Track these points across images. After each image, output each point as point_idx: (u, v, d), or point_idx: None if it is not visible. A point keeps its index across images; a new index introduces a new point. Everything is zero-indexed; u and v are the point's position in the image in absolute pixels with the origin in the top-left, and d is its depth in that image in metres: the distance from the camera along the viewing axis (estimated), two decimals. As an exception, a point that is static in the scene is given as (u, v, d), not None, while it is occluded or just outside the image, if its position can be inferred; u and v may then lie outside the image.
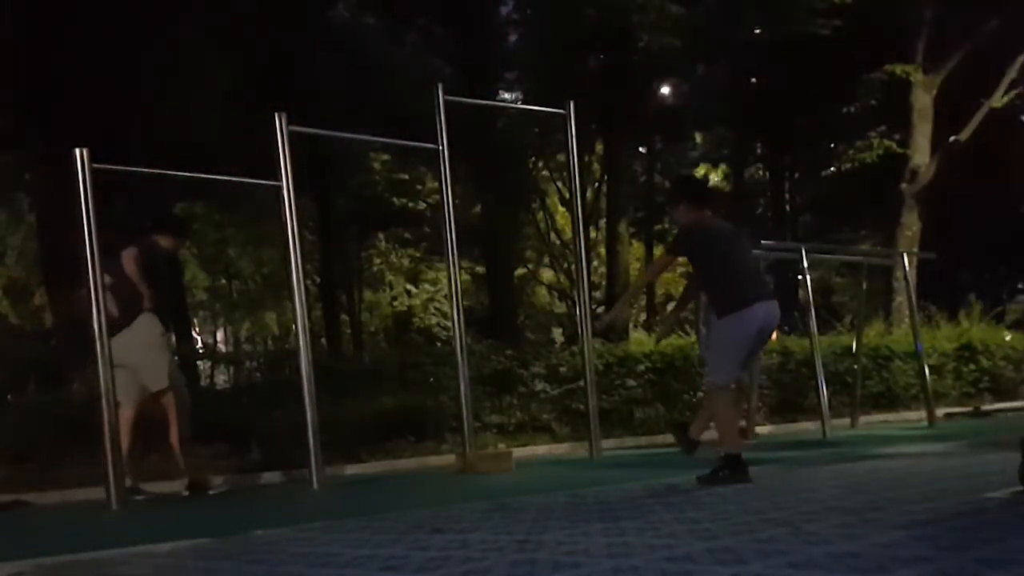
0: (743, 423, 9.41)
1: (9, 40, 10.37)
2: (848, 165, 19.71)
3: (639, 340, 12.52)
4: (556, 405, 10.36)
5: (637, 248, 25.29)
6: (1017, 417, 11.19)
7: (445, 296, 24.51)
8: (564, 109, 8.69)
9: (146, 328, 6.44)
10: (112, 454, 5.97)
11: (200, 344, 24.78)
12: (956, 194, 18.58)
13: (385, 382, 10.14)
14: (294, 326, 7.26)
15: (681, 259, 5.61)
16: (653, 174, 25.00)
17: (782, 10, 15.77)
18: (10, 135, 12.01)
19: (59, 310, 11.10)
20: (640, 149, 23.70)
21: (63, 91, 10.05)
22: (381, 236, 25.90)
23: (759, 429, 10.43)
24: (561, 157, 17.95)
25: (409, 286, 29.20)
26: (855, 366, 11.24)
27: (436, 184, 10.41)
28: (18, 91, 10.64)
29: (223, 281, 27.02)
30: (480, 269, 21.95)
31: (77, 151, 6.12)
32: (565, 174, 15.03)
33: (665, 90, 21.13)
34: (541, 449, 9.50)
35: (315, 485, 6.59)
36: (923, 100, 17.65)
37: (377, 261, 27.82)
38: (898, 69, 17.17)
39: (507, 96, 20.69)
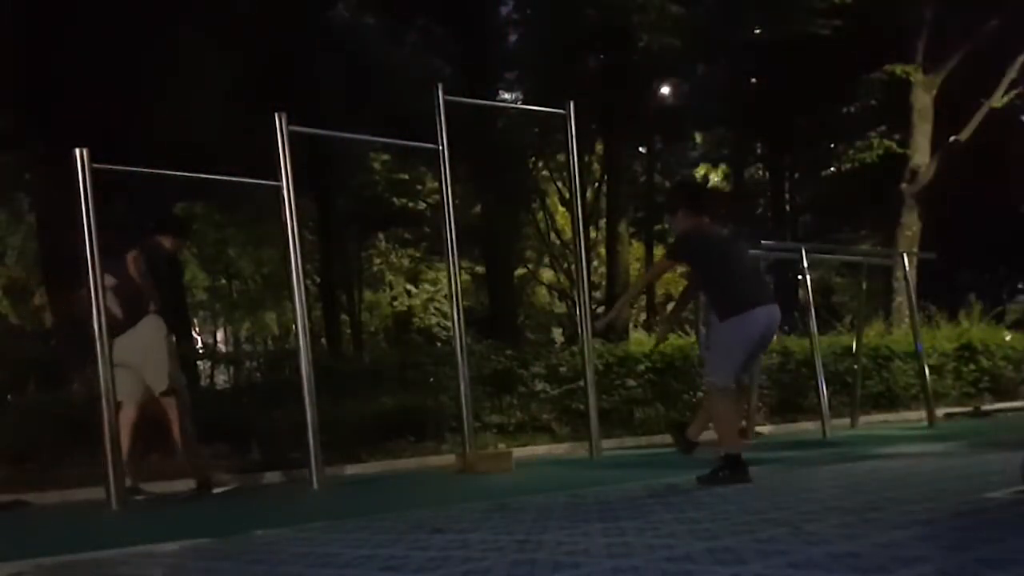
0: (743, 423, 9.43)
1: (9, 40, 10.36)
2: (848, 165, 19.72)
3: (639, 340, 12.52)
4: (556, 405, 10.36)
5: (637, 248, 25.29)
6: (1017, 417, 11.19)
7: (445, 296, 24.51)
8: (564, 109, 8.69)
9: (150, 330, 6.44)
10: (112, 454, 5.97)
11: (200, 344, 24.79)
12: (956, 194, 18.58)
13: (385, 382, 10.14)
14: (294, 326, 7.25)
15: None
16: (653, 174, 25.00)
17: (782, 10, 15.77)
18: (10, 135, 12.01)
19: (59, 310, 11.09)
20: (640, 149, 23.70)
21: (63, 91, 10.05)
22: (381, 236, 25.90)
23: (761, 429, 10.44)
24: (561, 157, 17.95)
25: (409, 286, 29.20)
26: (855, 366, 11.24)
27: (436, 184, 10.41)
28: (18, 91, 10.64)
29: (223, 281, 27.02)
30: (480, 269, 21.95)
31: (77, 151, 6.12)
32: (565, 174, 15.03)
33: (665, 90, 21.14)
34: (541, 449, 9.50)
35: (315, 485, 6.59)
36: (923, 100, 17.65)
37: (377, 261, 27.82)
38: (898, 69, 17.17)
39: (507, 96, 20.71)
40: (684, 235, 5.29)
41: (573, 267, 15.68)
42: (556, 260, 24.92)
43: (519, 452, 8.42)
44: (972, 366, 13.50)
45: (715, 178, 27.77)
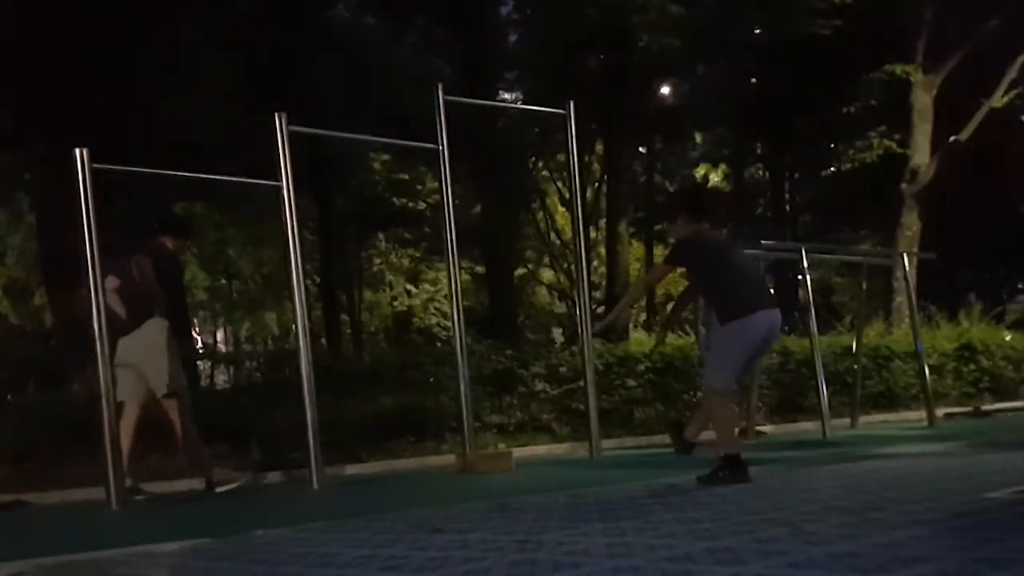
0: (743, 423, 9.43)
1: (9, 40, 10.36)
2: (848, 165, 19.71)
3: (639, 340, 12.53)
4: (556, 405, 10.36)
5: (637, 248, 25.29)
6: (1017, 417, 11.20)
7: (445, 296, 24.51)
8: (564, 109, 8.69)
9: (154, 332, 6.43)
10: (112, 454, 5.96)
11: (200, 344, 24.79)
12: (956, 194, 18.59)
13: (385, 382, 10.14)
14: (294, 326, 7.25)
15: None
16: (653, 174, 25.00)
17: (782, 10, 15.77)
18: (10, 135, 12.00)
19: (59, 310, 11.09)
20: (640, 149, 23.69)
21: (63, 91, 10.04)
22: (381, 236, 25.89)
23: (764, 428, 10.45)
24: (561, 157, 17.95)
25: (409, 286, 29.20)
26: (855, 366, 11.24)
27: (436, 184, 10.41)
28: (18, 91, 10.64)
29: (223, 281, 27.01)
30: (480, 269, 21.95)
31: (77, 151, 6.12)
32: (565, 174, 15.03)
33: (665, 90, 21.13)
34: (541, 449, 9.50)
35: (315, 485, 6.59)
36: (923, 100, 17.65)
37: (377, 261, 27.82)
38: (898, 69, 17.17)
39: (507, 96, 20.70)
40: (683, 240, 5.31)
41: (573, 267, 15.69)
42: (556, 260, 24.92)
43: (519, 452, 8.42)
44: (972, 366, 13.50)
45: (715, 178, 27.76)
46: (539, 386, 10.44)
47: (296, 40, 13.42)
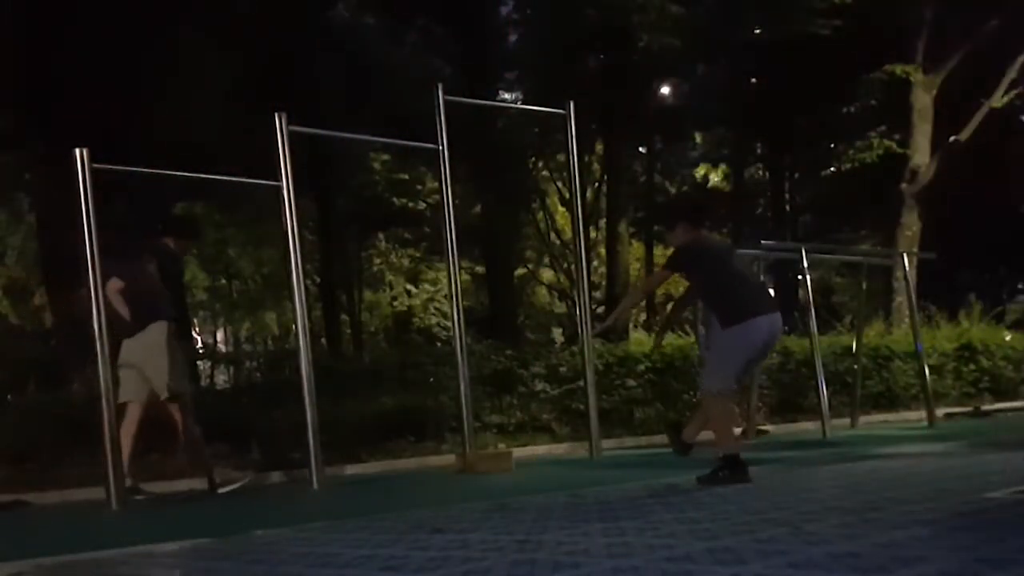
0: (743, 423, 9.44)
1: (9, 40, 10.36)
2: (848, 165, 19.71)
3: (639, 340, 12.53)
4: (556, 405, 10.36)
5: (637, 248, 25.30)
6: (1017, 417, 11.20)
7: (445, 296, 24.52)
8: (564, 109, 8.69)
9: (157, 335, 6.43)
10: (112, 454, 5.97)
11: (200, 344, 24.78)
12: (956, 194, 18.59)
13: (385, 382, 10.14)
14: (294, 326, 7.25)
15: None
16: (653, 174, 25.01)
17: (782, 10, 15.77)
18: (10, 135, 12.01)
19: (59, 310, 11.09)
20: (640, 149, 23.70)
21: (63, 91, 10.04)
22: (381, 236, 25.89)
23: (767, 427, 10.46)
24: (561, 157, 17.95)
25: (409, 286, 29.19)
26: (855, 366, 11.24)
27: (436, 184, 10.41)
28: (18, 91, 10.64)
29: (223, 281, 27.01)
30: (480, 269, 21.95)
31: (77, 151, 6.13)
32: (565, 174, 15.03)
33: (665, 90, 21.13)
34: (541, 449, 9.50)
35: (315, 485, 6.59)
36: (923, 100, 17.66)
37: (377, 261, 27.82)
38: (898, 69, 17.17)
39: (507, 96, 20.70)
40: (682, 247, 5.33)
41: (573, 267, 15.69)
42: (556, 260, 24.92)
43: (519, 452, 8.42)
44: (972, 366, 13.51)
45: (715, 178, 27.75)
46: (539, 386, 10.44)
47: (296, 40, 13.42)
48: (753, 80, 22.19)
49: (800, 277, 11.31)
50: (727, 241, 18.37)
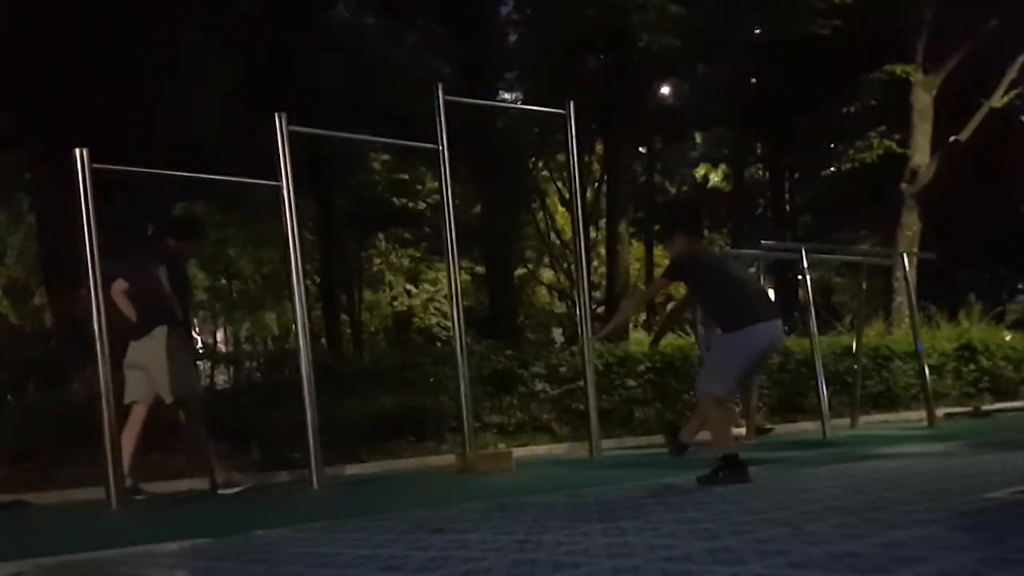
0: (743, 422, 9.44)
1: (9, 40, 10.37)
2: (848, 165, 19.71)
3: (639, 340, 12.53)
4: (556, 405, 10.36)
5: (637, 248, 25.30)
6: (1017, 417, 11.19)
7: (445, 296, 24.51)
8: (564, 109, 8.69)
9: (160, 340, 6.43)
10: (112, 454, 5.97)
11: (200, 344, 24.77)
12: (956, 194, 18.59)
13: (385, 382, 10.14)
14: (294, 326, 7.25)
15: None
16: (653, 174, 25.01)
17: (782, 10, 15.77)
18: (10, 135, 12.01)
19: (59, 310, 11.10)
20: (640, 149, 23.71)
21: (63, 91, 10.05)
22: (381, 236, 25.89)
23: (770, 426, 10.46)
24: (561, 157, 17.95)
25: (409, 286, 29.19)
26: (855, 366, 11.24)
27: (436, 184, 10.41)
28: (18, 91, 10.64)
29: (223, 281, 27.01)
30: (480, 269, 21.95)
31: (77, 151, 6.12)
32: (565, 174, 15.03)
33: (665, 90, 21.14)
34: (541, 449, 9.50)
35: (315, 485, 6.59)
36: (923, 100, 17.66)
37: (377, 261, 27.82)
38: (898, 69, 17.18)
39: (507, 96, 20.71)
40: (681, 256, 5.34)
41: (573, 267, 15.69)
42: (556, 260, 24.92)
43: (519, 452, 8.42)
44: (972, 366, 13.51)
45: (715, 178, 27.76)
46: (539, 386, 10.44)
47: (296, 40, 13.42)
48: (753, 80, 22.20)
49: (800, 277, 11.31)
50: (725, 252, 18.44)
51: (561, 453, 9.34)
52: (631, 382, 10.78)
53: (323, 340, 18.57)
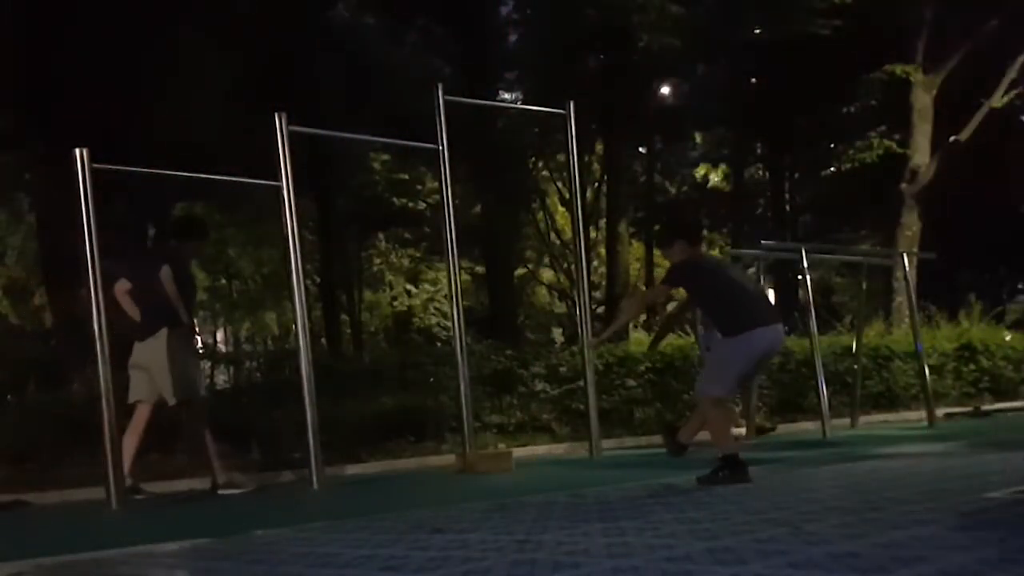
0: (743, 422, 9.44)
1: (9, 40, 10.37)
2: (848, 165, 19.71)
3: (639, 340, 12.53)
4: (556, 405, 10.36)
5: (637, 248, 25.30)
6: (1017, 417, 11.19)
7: (445, 296, 24.51)
8: (564, 109, 8.69)
9: (162, 342, 6.43)
10: (112, 454, 5.97)
11: (200, 344, 24.73)
12: (956, 194, 18.59)
13: (385, 382, 10.14)
14: (294, 326, 7.25)
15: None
16: (653, 174, 25.01)
17: (782, 10, 15.77)
18: (10, 135, 12.02)
19: (59, 310, 11.10)
20: (640, 149, 23.70)
21: (63, 91, 10.05)
22: (381, 236, 25.89)
23: (772, 426, 10.46)
24: (561, 157, 17.95)
25: (409, 286, 29.19)
26: (855, 366, 11.24)
27: (436, 184, 10.41)
28: (18, 91, 10.64)
29: (223, 281, 27.00)
30: (480, 269, 21.95)
31: (77, 151, 6.12)
32: (565, 174, 15.02)
33: (665, 90, 21.14)
34: (541, 449, 9.50)
35: (315, 485, 6.59)
36: (923, 100, 17.66)
37: (377, 261, 27.81)
38: (898, 69, 17.17)
39: (507, 96, 20.70)
40: (680, 263, 5.35)
41: (573, 267, 15.69)
42: (556, 260, 24.92)
43: (519, 452, 8.42)
44: (972, 366, 13.50)
45: (715, 178, 27.75)
46: (539, 386, 10.44)
47: (296, 40, 13.42)
48: (753, 80, 22.19)
49: (800, 277, 11.30)
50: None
51: (561, 453, 9.34)
52: (631, 382, 10.78)
53: (323, 340, 18.57)
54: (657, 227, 19.85)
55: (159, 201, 11.53)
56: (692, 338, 11.23)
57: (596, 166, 22.62)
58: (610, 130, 19.05)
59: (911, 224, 17.50)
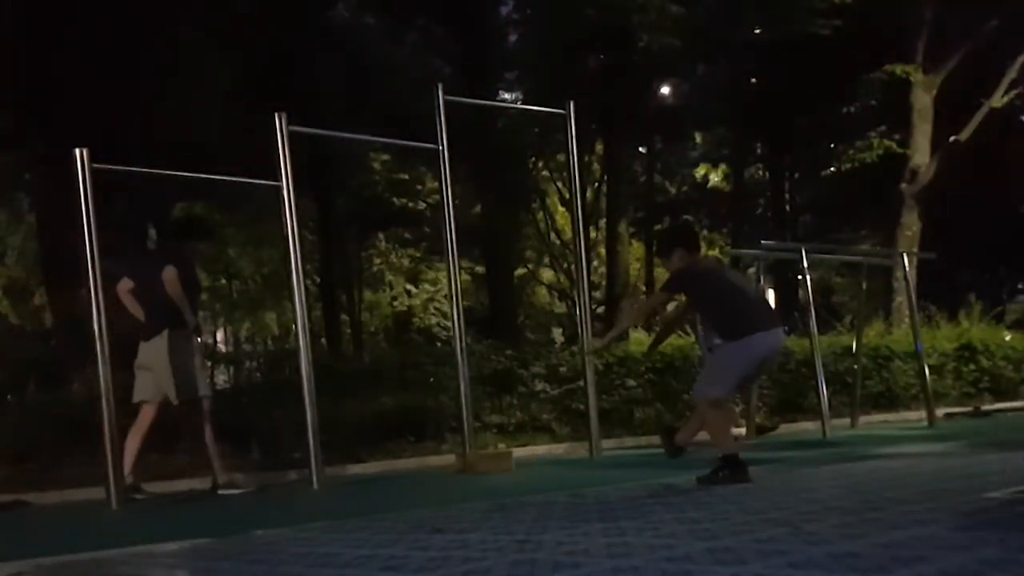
0: (743, 422, 9.44)
1: (9, 40, 10.37)
2: (848, 165, 19.71)
3: (639, 340, 12.53)
4: (556, 405, 10.36)
5: (637, 248, 25.29)
6: (1017, 417, 11.19)
7: (445, 296, 24.50)
8: (564, 109, 8.69)
9: (164, 342, 6.43)
10: (112, 454, 5.97)
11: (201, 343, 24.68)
12: (956, 194, 18.59)
13: (385, 382, 10.14)
14: (294, 326, 7.26)
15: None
16: (653, 174, 25.01)
17: (782, 10, 15.77)
18: (10, 135, 12.01)
19: (59, 310, 11.10)
20: (640, 149, 23.70)
21: (63, 91, 10.05)
22: (381, 236, 25.88)
23: (774, 425, 10.46)
24: (561, 157, 17.94)
25: (409, 286, 29.18)
26: (855, 366, 11.24)
27: (436, 184, 10.42)
28: (18, 91, 10.64)
29: (223, 281, 26.99)
30: (480, 269, 21.95)
31: (77, 151, 6.13)
32: (565, 174, 15.02)
33: (665, 90, 21.14)
34: (541, 449, 9.50)
35: (315, 485, 6.59)
36: (923, 100, 17.65)
37: (377, 261, 27.81)
38: (898, 69, 17.17)
39: (507, 96, 20.70)
40: (680, 270, 5.36)
41: (573, 267, 15.68)
42: (556, 260, 24.92)
43: (519, 452, 8.42)
44: (972, 366, 13.50)
45: (715, 178, 27.75)
46: (539, 386, 10.44)
47: (296, 40, 13.42)
48: (753, 80, 22.19)
49: (800, 277, 11.30)
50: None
51: (561, 453, 9.34)
52: (631, 382, 10.78)
53: (323, 340, 18.57)
54: (655, 240, 19.83)
55: (159, 201, 11.52)
56: (692, 338, 11.23)
57: (596, 166, 22.62)
58: (610, 130, 19.05)
59: (911, 224, 17.50)
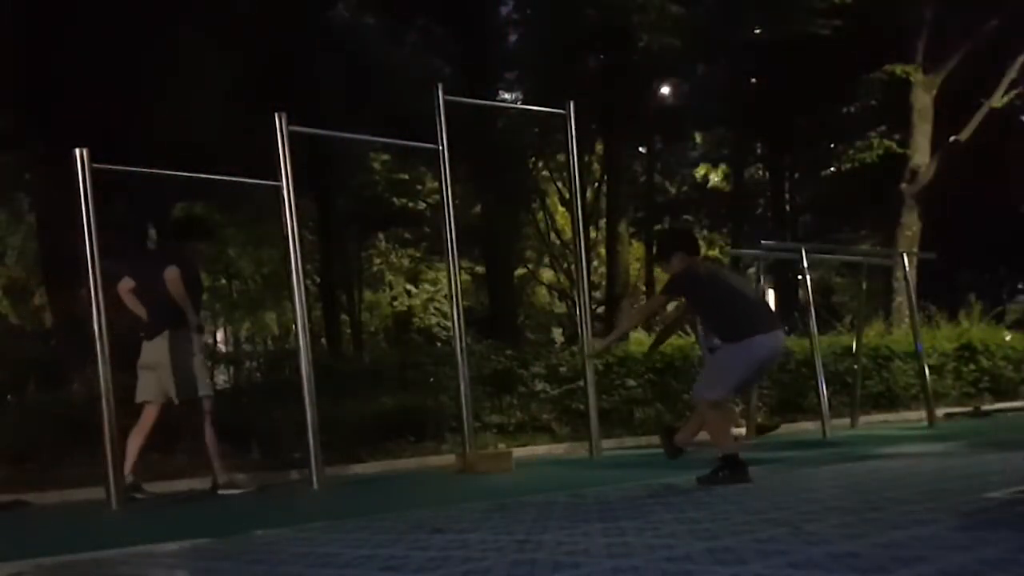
0: (743, 422, 9.44)
1: (9, 40, 10.37)
2: (848, 165, 19.70)
3: (639, 340, 12.52)
4: (556, 405, 10.36)
5: (637, 248, 25.30)
6: (1017, 417, 11.19)
7: (445, 296, 24.50)
8: (564, 109, 8.69)
9: (164, 342, 6.44)
10: (112, 454, 5.97)
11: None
12: (956, 194, 18.59)
13: (385, 382, 10.14)
14: (294, 326, 7.26)
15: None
16: (653, 174, 25.01)
17: (782, 10, 15.77)
18: (10, 135, 12.01)
19: (59, 310, 11.10)
20: (640, 149, 23.70)
21: (63, 91, 10.05)
22: (381, 236, 25.89)
23: (775, 425, 10.46)
24: (561, 157, 17.94)
25: (409, 286, 29.19)
26: (855, 366, 11.24)
27: (436, 184, 10.41)
28: (18, 91, 10.64)
29: (223, 281, 26.99)
30: (480, 269, 21.95)
31: (77, 151, 6.13)
32: (565, 174, 15.02)
33: (665, 90, 21.14)
34: (541, 449, 9.50)
35: (315, 485, 6.59)
36: (923, 100, 17.65)
37: (377, 261, 27.81)
38: (898, 69, 17.17)
39: (507, 96, 20.70)
40: (679, 274, 5.36)
41: (573, 267, 15.68)
42: (556, 260, 24.92)
43: (519, 452, 8.42)
44: (972, 366, 13.50)
45: (715, 178, 27.75)
46: (539, 386, 10.44)
47: (296, 40, 13.42)
48: (753, 80, 22.19)
49: (800, 277, 11.30)
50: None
51: (561, 453, 9.34)
52: (631, 382, 10.78)
53: (323, 340, 18.57)
54: (654, 244, 19.80)
55: (159, 201, 11.52)
56: (692, 338, 11.23)
57: (596, 166, 22.62)
58: (610, 130, 19.05)
59: (911, 224, 17.50)
